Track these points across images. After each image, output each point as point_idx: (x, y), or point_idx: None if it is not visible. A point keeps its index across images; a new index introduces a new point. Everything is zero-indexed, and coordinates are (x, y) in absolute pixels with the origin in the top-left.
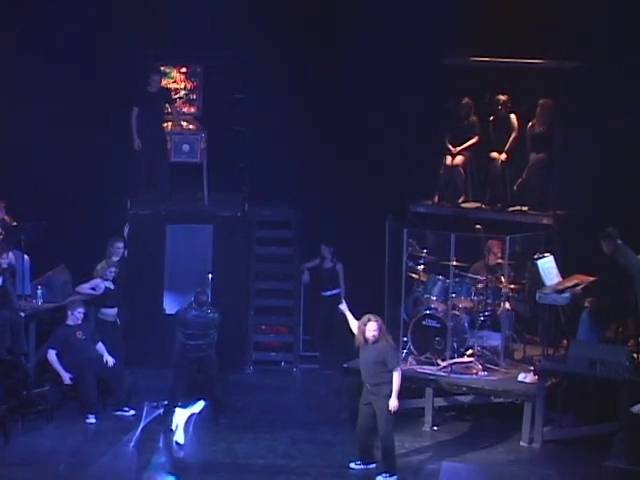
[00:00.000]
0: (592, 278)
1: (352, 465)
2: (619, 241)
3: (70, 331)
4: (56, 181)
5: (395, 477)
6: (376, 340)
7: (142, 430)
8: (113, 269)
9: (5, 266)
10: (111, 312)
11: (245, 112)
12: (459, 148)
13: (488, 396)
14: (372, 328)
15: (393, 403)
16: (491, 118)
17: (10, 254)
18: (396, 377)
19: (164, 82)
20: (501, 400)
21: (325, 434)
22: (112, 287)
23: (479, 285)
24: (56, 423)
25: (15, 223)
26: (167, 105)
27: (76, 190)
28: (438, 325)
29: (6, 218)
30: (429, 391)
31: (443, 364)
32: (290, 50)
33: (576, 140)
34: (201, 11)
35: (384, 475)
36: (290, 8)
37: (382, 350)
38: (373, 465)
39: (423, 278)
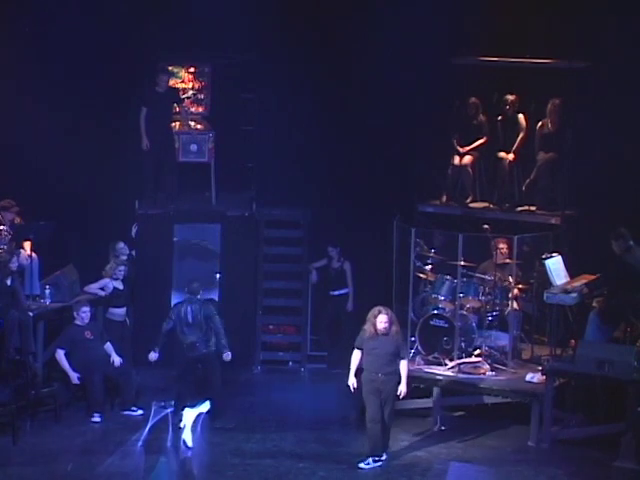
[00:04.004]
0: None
1: (362, 465)
2: (631, 242)
3: (78, 331)
4: (65, 181)
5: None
6: (388, 332)
7: (150, 430)
8: (122, 268)
9: (14, 269)
10: (120, 312)
11: (253, 112)
12: (467, 148)
13: (496, 396)
14: (383, 320)
15: (404, 389)
16: (499, 118)
17: (21, 252)
18: (405, 365)
19: (172, 82)
20: (509, 400)
21: (333, 434)
22: (121, 287)
23: (487, 285)
24: (64, 423)
25: (23, 223)
26: (175, 105)
27: (85, 190)
28: (446, 325)
29: (16, 219)
30: (437, 391)
31: (451, 364)
32: (298, 50)
33: (585, 140)
34: (209, 11)
35: (374, 458)
36: (300, 8)
37: (396, 340)
38: (384, 457)
39: (431, 278)
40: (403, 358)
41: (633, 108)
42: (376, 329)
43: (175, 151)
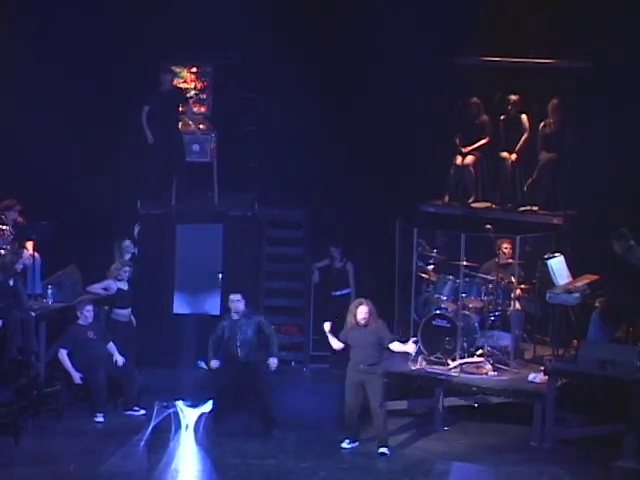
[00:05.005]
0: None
1: (344, 445)
2: (632, 241)
3: (81, 331)
4: (66, 181)
5: (386, 448)
6: (367, 323)
7: (152, 430)
8: (127, 269)
9: (19, 271)
10: (125, 312)
11: (255, 112)
12: (469, 148)
13: (498, 396)
14: (363, 311)
15: (412, 348)
16: (502, 118)
17: (24, 252)
18: (397, 344)
19: (174, 82)
20: (511, 400)
21: (335, 434)
22: (125, 288)
23: (489, 285)
24: (66, 423)
25: (25, 223)
26: (180, 105)
27: (86, 190)
28: (448, 325)
29: (19, 219)
30: (439, 391)
31: (453, 364)
32: (300, 50)
33: (587, 140)
34: (211, 11)
35: (381, 448)
36: (301, 8)
37: (377, 330)
38: (357, 443)
39: (433, 278)
40: (392, 341)
41: (634, 108)
42: (356, 320)
43: (184, 151)
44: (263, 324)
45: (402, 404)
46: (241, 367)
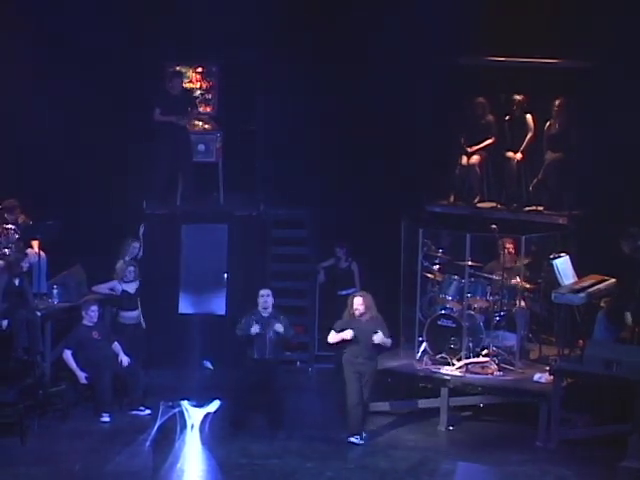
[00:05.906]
0: (607, 278)
1: (353, 439)
2: None
3: (86, 331)
4: (72, 181)
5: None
6: (362, 314)
7: (158, 429)
8: (132, 269)
9: (25, 270)
10: (131, 315)
11: (260, 112)
12: (475, 148)
13: (503, 396)
14: (357, 302)
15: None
16: (507, 118)
17: (29, 252)
18: (387, 341)
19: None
20: (517, 400)
21: (340, 434)
22: (131, 291)
23: (494, 285)
24: (72, 422)
25: (31, 222)
26: (189, 107)
27: (92, 190)
28: (453, 325)
29: (21, 217)
30: (444, 391)
31: (458, 364)
32: (305, 49)
33: (592, 140)
34: (216, 10)
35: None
36: (306, 7)
37: (373, 325)
38: (363, 441)
39: (438, 278)
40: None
41: (634, 108)
42: (352, 311)
43: (191, 152)
44: (288, 328)
45: (407, 404)
46: (265, 365)
